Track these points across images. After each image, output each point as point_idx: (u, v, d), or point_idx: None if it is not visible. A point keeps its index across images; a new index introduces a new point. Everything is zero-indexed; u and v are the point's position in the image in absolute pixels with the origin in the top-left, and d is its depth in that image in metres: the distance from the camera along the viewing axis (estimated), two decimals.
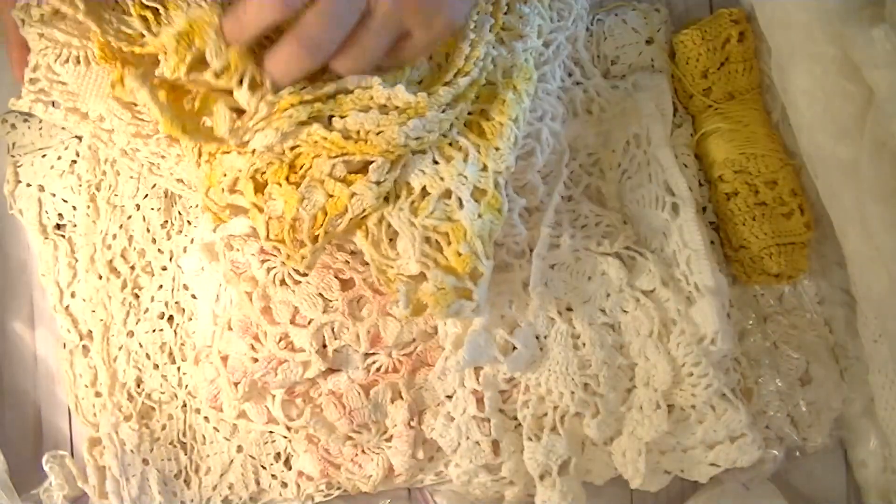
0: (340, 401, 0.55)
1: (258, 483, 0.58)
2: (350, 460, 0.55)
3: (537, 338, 0.55)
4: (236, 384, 0.54)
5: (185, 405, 0.58)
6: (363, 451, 0.55)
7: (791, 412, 0.59)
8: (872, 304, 0.56)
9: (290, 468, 0.57)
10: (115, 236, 0.58)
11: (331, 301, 0.54)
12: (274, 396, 0.55)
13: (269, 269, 0.55)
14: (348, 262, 0.55)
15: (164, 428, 0.58)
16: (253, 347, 0.54)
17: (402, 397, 0.55)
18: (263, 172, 0.48)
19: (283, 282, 0.54)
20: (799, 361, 0.59)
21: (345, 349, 0.55)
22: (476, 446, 0.54)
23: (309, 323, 0.54)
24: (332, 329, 0.55)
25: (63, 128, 0.59)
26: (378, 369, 0.55)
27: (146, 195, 0.58)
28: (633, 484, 0.55)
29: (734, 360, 0.58)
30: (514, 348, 0.54)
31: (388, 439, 0.55)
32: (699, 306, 0.55)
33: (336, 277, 0.55)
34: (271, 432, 0.57)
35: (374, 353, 0.55)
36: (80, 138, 0.59)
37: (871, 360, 0.58)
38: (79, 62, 0.53)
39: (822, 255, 0.60)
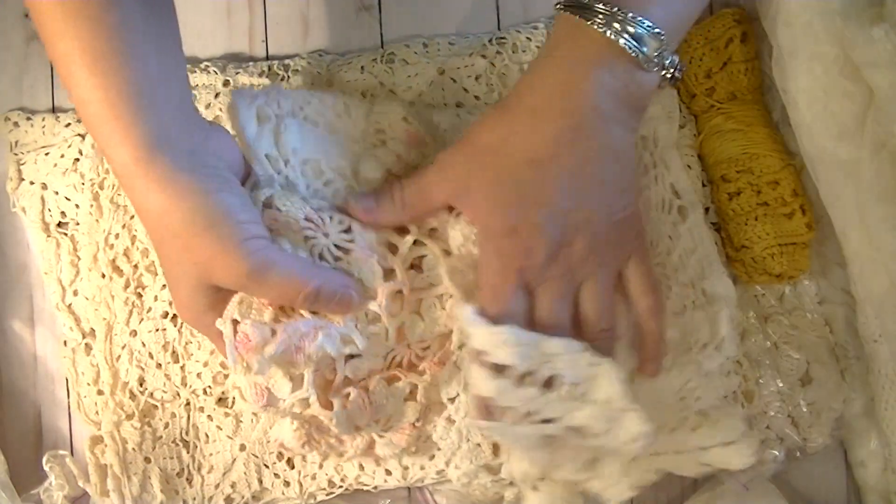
0: (367, 395, 0.52)
1: (260, 482, 0.57)
2: (336, 438, 0.53)
3: None
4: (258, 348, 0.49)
5: (188, 403, 0.58)
6: (354, 435, 0.54)
7: (791, 412, 0.59)
8: (872, 305, 0.56)
9: (292, 467, 0.57)
10: (117, 235, 0.58)
11: (368, 289, 0.52)
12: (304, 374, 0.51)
13: (306, 238, 0.51)
14: (387, 252, 0.53)
15: (166, 426, 0.58)
16: (277, 319, 0.50)
17: (416, 399, 0.54)
18: None
19: (321, 256, 0.51)
20: (799, 362, 0.59)
21: (373, 337, 0.52)
22: (476, 448, 0.54)
23: None
24: (366, 316, 0.52)
25: (67, 125, 0.60)
26: (395, 362, 0.53)
27: None
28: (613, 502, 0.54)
29: (735, 363, 0.58)
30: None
31: (386, 430, 0.54)
32: (707, 312, 0.55)
33: (378, 264, 0.52)
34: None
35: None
36: (82, 136, 0.59)
37: (871, 360, 0.58)
38: None
39: (823, 255, 0.60)
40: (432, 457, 0.56)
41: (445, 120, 0.57)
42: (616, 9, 0.47)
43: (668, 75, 0.49)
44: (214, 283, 0.47)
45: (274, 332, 0.48)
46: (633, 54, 0.47)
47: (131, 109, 0.43)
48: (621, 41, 0.47)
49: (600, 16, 0.47)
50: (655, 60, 0.48)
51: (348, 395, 0.51)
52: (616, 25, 0.47)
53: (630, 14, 0.47)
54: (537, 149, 0.48)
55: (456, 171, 0.50)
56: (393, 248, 0.53)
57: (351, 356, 0.51)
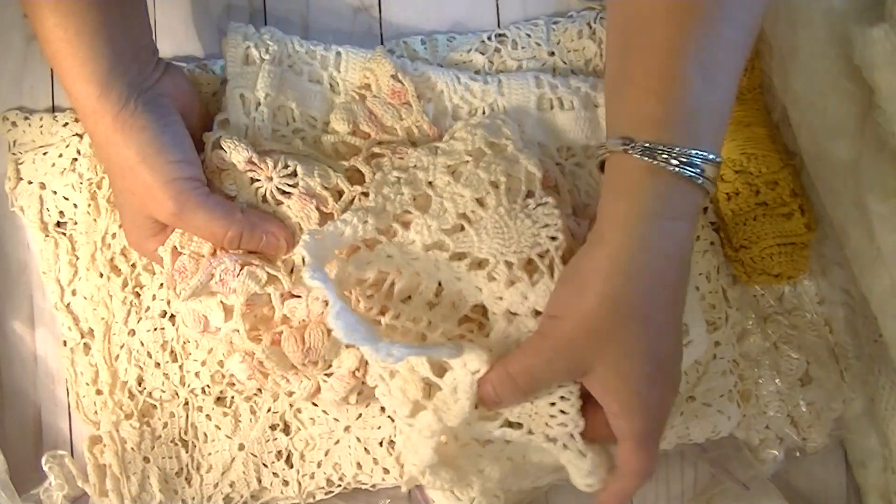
0: (301, 336, 0.52)
1: (259, 481, 0.57)
2: (280, 375, 0.54)
3: None
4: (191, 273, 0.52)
5: (186, 403, 0.58)
6: (296, 373, 0.54)
7: (791, 412, 0.59)
8: (873, 305, 0.56)
9: (291, 466, 0.57)
10: (114, 235, 0.58)
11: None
12: (233, 306, 0.52)
13: (252, 180, 0.53)
14: (329, 198, 0.53)
15: (165, 426, 0.57)
16: (214, 252, 0.52)
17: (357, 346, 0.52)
18: None
19: (264, 199, 0.53)
20: (799, 362, 0.60)
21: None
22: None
23: None
24: (302, 259, 0.52)
25: (65, 124, 0.60)
26: None
27: None
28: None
29: (733, 362, 0.58)
30: None
31: (328, 375, 0.54)
32: None
33: (317, 209, 0.53)
34: (273, 428, 0.57)
35: None
36: (80, 136, 0.59)
37: (872, 360, 0.58)
38: None
39: (822, 255, 0.60)
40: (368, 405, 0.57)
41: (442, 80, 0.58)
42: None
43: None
44: (151, 215, 0.51)
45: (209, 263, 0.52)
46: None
47: (87, 47, 0.48)
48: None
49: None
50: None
51: (281, 332, 0.53)
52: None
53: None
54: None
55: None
56: (338, 195, 0.54)
57: (290, 294, 0.53)
